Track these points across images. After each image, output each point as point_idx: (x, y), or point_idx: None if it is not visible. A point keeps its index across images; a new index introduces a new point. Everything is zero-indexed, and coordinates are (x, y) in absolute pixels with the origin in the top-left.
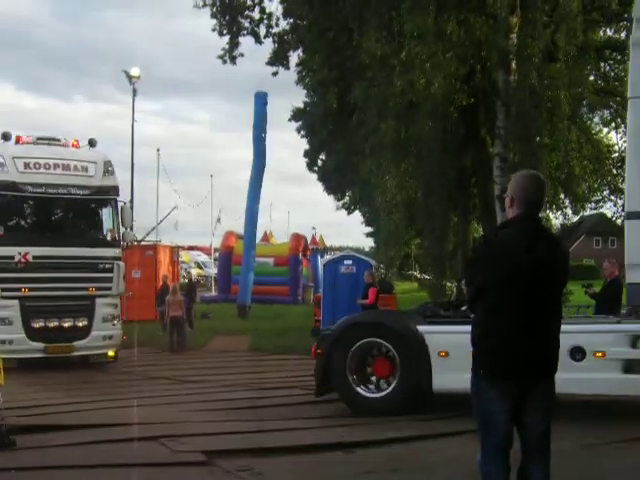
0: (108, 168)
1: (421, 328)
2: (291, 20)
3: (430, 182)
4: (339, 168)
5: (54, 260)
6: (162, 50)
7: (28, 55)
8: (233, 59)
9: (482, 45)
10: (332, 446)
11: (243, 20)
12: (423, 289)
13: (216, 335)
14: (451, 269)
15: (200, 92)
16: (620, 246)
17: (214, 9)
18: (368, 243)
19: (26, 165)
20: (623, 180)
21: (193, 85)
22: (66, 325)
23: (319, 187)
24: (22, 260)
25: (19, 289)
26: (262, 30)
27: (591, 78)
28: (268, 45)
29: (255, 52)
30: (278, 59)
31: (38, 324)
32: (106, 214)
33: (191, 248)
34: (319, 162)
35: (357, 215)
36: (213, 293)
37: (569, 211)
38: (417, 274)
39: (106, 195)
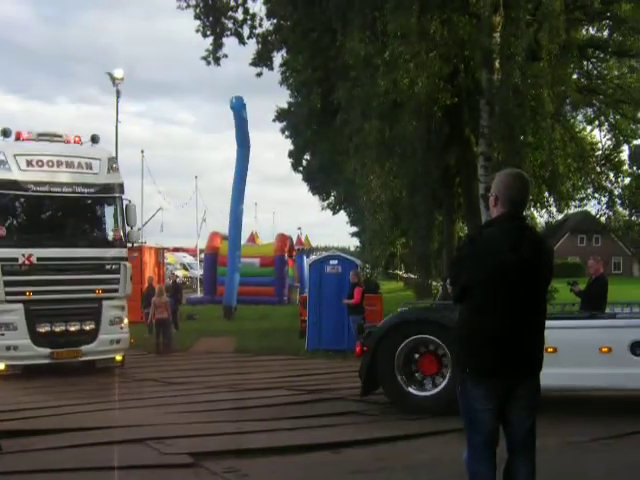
0: (112, 165)
1: None
2: (274, 21)
3: (415, 181)
4: (323, 168)
5: (59, 262)
6: (145, 51)
7: (11, 58)
8: (217, 60)
9: (465, 44)
10: (319, 446)
11: (227, 21)
12: (409, 288)
13: (202, 336)
14: (436, 268)
15: (184, 93)
16: (604, 243)
17: (197, 10)
18: (353, 243)
19: (28, 163)
20: (607, 178)
21: (177, 86)
22: (73, 329)
23: (304, 187)
24: (26, 262)
25: (23, 292)
26: (246, 31)
27: (574, 76)
28: (252, 46)
29: (239, 53)
30: (262, 60)
31: (44, 329)
32: (111, 213)
33: (176, 249)
34: (304, 162)
35: (342, 215)
36: (199, 294)
37: (553, 209)
38: (402, 273)
39: (111, 193)
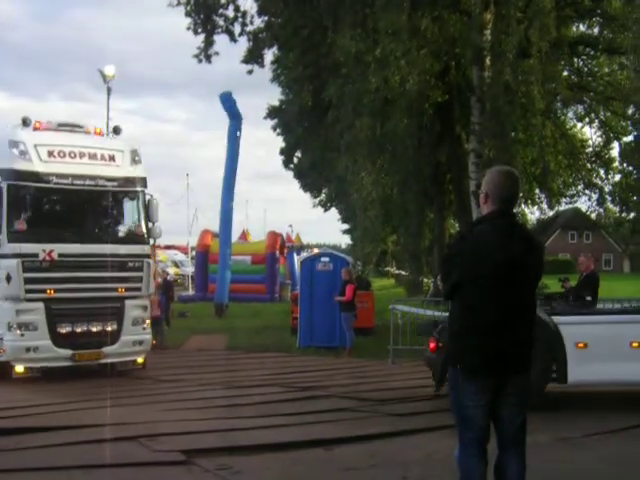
0: (135, 157)
1: (557, 319)
2: (265, 18)
3: (406, 178)
4: (315, 165)
5: (81, 258)
6: (136, 49)
7: (1, 55)
8: (208, 58)
9: (456, 42)
10: (311, 443)
11: (217, 18)
12: (400, 285)
13: (194, 334)
14: (428, 265)
15: (175, 91)
16: (595, 240)
17: (188, 7)
18: (345, 240)
19: (50, 153)
20: (597, 175)
21: (168, 84)
22: (94, 330)
23: (295, 184)
24: (47, 258)
25: (44, 290)
26: (237, 28)
27: (565, 73)
28: (243, 43)
29: (230, 50)
30: (253, 57)
31: (65, 329)
32: (134, 207)
33: (168, 247)
34: (295, 159)
35: (334, 212)
36: (190, 292)
37: (544, 206)
38: (394, 270)
39: (134, 187)
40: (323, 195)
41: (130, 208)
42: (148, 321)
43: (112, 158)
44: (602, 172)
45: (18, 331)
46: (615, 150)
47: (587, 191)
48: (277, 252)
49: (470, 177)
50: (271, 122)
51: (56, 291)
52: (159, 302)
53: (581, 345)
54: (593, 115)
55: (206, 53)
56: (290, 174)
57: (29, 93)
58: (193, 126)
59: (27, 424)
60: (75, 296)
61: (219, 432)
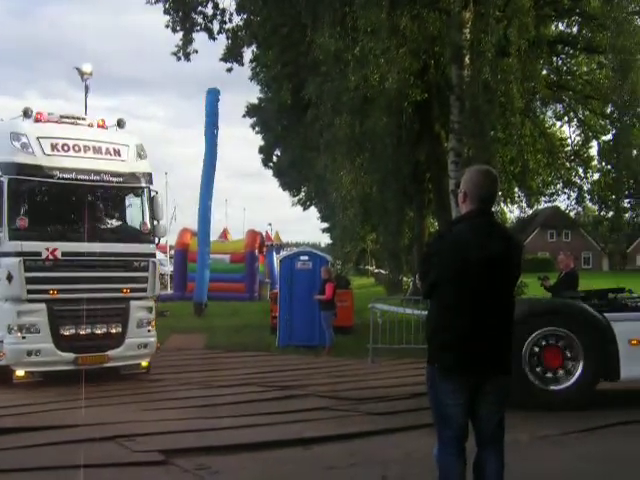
0: (140, 152)
1: (609, 316)
2: (244, 16)
3: (385, 177)
4: (294, 164)
5: (86, 257)
6: (115, 46)
7: None
8: (187, 55)
9: (435, 40)
10: (291, 442)
11: (196, 16)
12: (379, 284)
13: (173, 333)
14: (407, 264)
15: (154, 88)
16: (574, 238)
17: (167, 5)
18: (324, 239)
19: (53, 147)
20: (576, 173)
21: (147, 81)
22: (99, 332)
23: (275, 183)
24: (50, 257)
25: (47, 291)
26: (215, 26)
27: (544, 72)
28: (222, 41)
29: (209, 48)
30: (232, 55)
31: (68, 331)
32: (139, 204)
33: None
34: (274, 158)
35: (313, 211)
36: (169, 291)
37: (524, 204)
38: (373, 269)
39: (140, 183)
40: (302, 194)
41: (135, 205)
42: (153, 323)
43: (117, 152)
44: (581, 171)
45: (19, 333)
46: (594, 149)
47: (566, 190)
48: (256, 251)
49: (449, 176)
50: (250, 120)
51: (59, 292)
52: None
53: (635, 342)
54: (572, 114)
55: (185, 51)
56: (269, 173)
57: (7, 91)
58: (172, 124)
59: (7, 424)
60: (79, 297)
61: (198, 432)
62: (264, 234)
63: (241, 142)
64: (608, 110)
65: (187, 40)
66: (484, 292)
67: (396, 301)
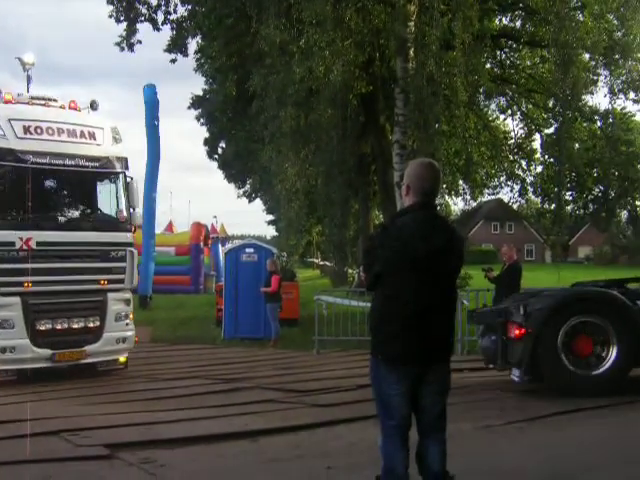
0: (115, 136)
1: None
2: (189, 7)
3: (330, 169)
4: (239, 156)
5: (61, 247)
6: (57, 36)
7: None
8: (131, 46)
9: (380, 33)
10: (236, 435)
11: (140, 6)
12: (325, 276)
13: None
14: (352, 256)
15: (96, 79)
16: (517, 230)
17: None
18: (270, 231)
19: (26, 129)
20: (519, 166)
21: (89, 72)
22: (76, 326)
23: (220, 175)
24: (24, 247)
25: (21, 283)
26: (160, 16)
27: (487, 66)
28: (166, 32)
29: (153, 39)
30: (176, 46)
31: (44, 326)
32: (115, 191)
33: None
34: (219, 150)
35: (258, 203)
36: None
37: (468, 197)
38: (319, 261)
39: (116, 168)
40: (248, 186)
41: (111, 191)
42: (132, 316)
43: (92, 136)
44: (524, 164)
45: None
46: (537, 142)
47: (509, 182)
48: (201, 243)
49: (394, 168)
50: (195, 112)
51: (34, 284)
52: None
53: None
54: (515, 107)
55: (128, 41)
56: (214, 165)
57: None
58: (115, 115)
59: None
60: (55, 289)
61: (143, 425)
62: (209, 226)
63: (186, 134)
64: (550, 104)
65: (131, 30)
66: (427, 283)
67: (341, 293)
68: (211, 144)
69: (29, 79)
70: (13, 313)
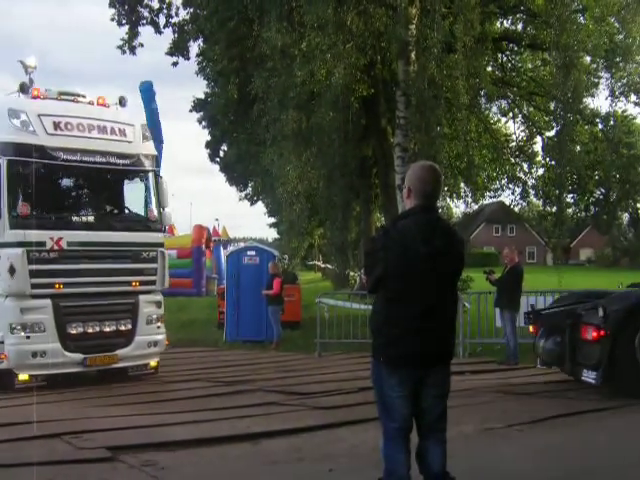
0: (145, 133)
1: None
2: (191, 10)
3: (332, 172)
4: (241, 159)
5: (93, 247)
6: (59, 39)
7: None
8: (132, 49)
9: (382, 36)
10: (238, 438)
11: (142, 9)
12: (327, 279)
13: None
14: (354, 259)
15: (98, 82)
16: (519, 233)
17: None
18: (272, 234)
19: (56, 125)
20: (521, 169)
21: (91, 75)
22: (107, 330)
23: (221, 178)
24: (55, 247)
25: (52, 285)
26: (162, 20)
27: (489, 69)
28: (168, 35)
29: (155, 42)
30: (178, 49)
31: (76, 330)
32: (146, 190)
33: None
34: (221, 153)
35: (260, 206)
36: None
37: (469, 199)
38: (321, 264)
39: (147, 166)
40: (249, 189)
41: (141, 190)
42: (163, 319)
43: (123, 132)
44: (525, 166)
45: (22, 333)
46: (538, 144)
47: (511, 185)
48: (203, 246)
49: (396, 171)
50: (196, 115)
51: (65, 286)
52: None
53: None
54: (517, 110)
55: (130, 44)
56: (216, 167)
57: None
58: None
59: None
60: (86, 291)
61: (145, 428)
62: (211, 229)
63: (188, 137)
64: (552, 106)
65: (133, 33)
66: (428, 286)
67: (343, 296)
68: (213, 147)
69: (31, 82)
70: (44, 316)
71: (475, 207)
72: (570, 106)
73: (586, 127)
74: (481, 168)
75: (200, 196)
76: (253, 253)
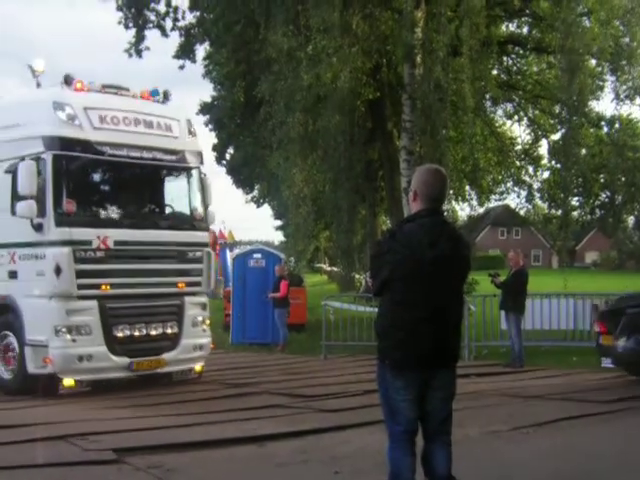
0: (191, 128)
1: None
2: (197, 13)
3: (338, 175)
4: (247, 162)
5: (139, 247)
6: (66, 43)
7: None
8: (139, 52)
9: (387, 39)
10: (244, 440)
11: (149, 13)
12: (332, 281)
13: None
14: (360, 261)
15: None
16: (524, 236)
17: (119, 1)
18: (278, 237)
19: (102, 119)
20: (526, 172)
21: (98, 78)
22: (154, 333)
23: (228, 181)
24: (101, 246)
25: (98, 285)
26: (168, 23)
27: (494, 72)
28: (175, 38)
29: (162, 45)
30: (185, 53)
31: (122, 332)
32: (191, 187)
33: None
34: (227, 156)
35: (266, 209)
36: None
37: (475, 202)
38: (326, 267)
39: (192, 162)
40: (256, 191)
41: (187, 187)
42: (208, 322)
43: (169, 127)
44: (531, 169)
45: (68, 336)
46: (543, 148)
47: (516, 188)
48: None
49: (401, 174)
50: (203, 118)
51: (112, 286)
52: None
53: None
54: (522, 113)
55: (137, 48)
56: (222, 170)
57: None
58: None
59: None
60: (133, 292)
61: (151, 430)
62: (217, 232)
63: None
64: (557, 110)
65: (139, 37)
66: (435, 289)
67: (349, 298)
68: (219, 150)
69: (39, 86)
70: (90, 318)
71: (480, 210)
72: (575, 109)
73: (591, 130)
74: (486, 171)
75: None
76: (259, 256)
